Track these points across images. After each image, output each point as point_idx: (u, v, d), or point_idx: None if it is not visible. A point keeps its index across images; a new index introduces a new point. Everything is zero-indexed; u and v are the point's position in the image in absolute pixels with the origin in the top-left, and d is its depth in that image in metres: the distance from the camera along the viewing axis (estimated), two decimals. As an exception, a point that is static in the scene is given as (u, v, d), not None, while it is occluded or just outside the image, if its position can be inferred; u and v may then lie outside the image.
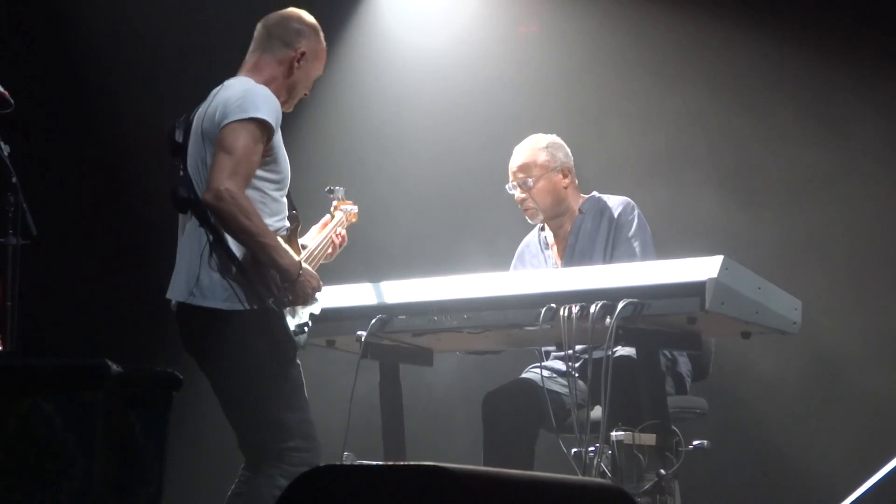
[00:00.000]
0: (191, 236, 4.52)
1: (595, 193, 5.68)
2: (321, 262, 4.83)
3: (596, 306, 4.69)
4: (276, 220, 4.56)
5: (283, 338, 4.49)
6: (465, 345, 5.41)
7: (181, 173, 4.55)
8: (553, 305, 4.77)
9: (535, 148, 5.63)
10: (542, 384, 5.17)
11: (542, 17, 7.35)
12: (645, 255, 5.45)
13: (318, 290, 4.60)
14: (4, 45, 6.94)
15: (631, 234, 5.50)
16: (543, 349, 5.54)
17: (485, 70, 7.35)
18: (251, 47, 4.70)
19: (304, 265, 4.56)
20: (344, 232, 5.01)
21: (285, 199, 4.62)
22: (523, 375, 5.59)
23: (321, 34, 4.75)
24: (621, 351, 4.88)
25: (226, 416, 4.60)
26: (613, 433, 4.74)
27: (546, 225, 5.71)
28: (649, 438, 4.78)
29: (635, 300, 4.67)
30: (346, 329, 5.12)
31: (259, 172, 4.50)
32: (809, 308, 5.04)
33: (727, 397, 6.67)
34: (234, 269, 4.45)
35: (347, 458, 5.06)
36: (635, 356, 4.93)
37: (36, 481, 3.42)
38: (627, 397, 4.83)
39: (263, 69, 4.63)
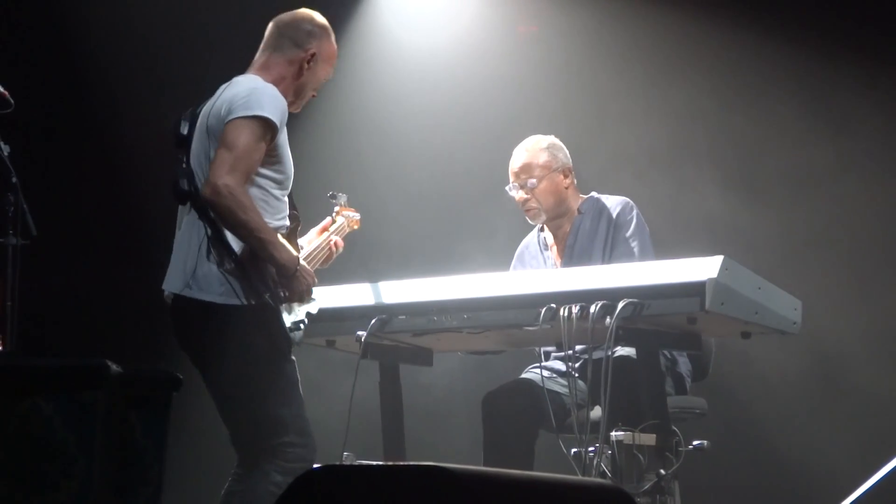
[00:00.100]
0: (189, 229, 4.52)
1: (594, 194, 5.68)
2: (318, 266, 4.83)
3: (596, 306, 4.69)
4: (277, 219, 4.56)
5: (279, 333, 4.48)
6: (465, 345, 5.41)
7: (183, 165, 4.55)
8: (553, 305, 4.77)
9: (535, 148, 5.64)
10: (541, 384, 5.17)
11: (542, 16, 7.35)
12: (643, 255, 5.46)
13: (313, 285, 4.60)
14: (4, 45, 6.94)
15: (629, 233, 5.50)
16: (543, 349, 5.54)
17: (484, 70, 7.35)
18: (261, 46, 4.70)
19: (302, 262, 4.56)
20: (341, 240, 5.02)
21: (287, 199, 4.62)
22: (523, 375, 5.59)
23: (332, 36, 4.74)
24: (621, 351, 4.88)
25: (219, 413, 4.59)
26: (613, 433, 4.74)
27: (545, 226, 5.72)
28: (649, 438, 4.78)
29: (635, 300, 4.67)
30: (346, 329, 5.12)
31: (263, 171, 4.51)
32: (810, 307, 5.04)
33: (727, 397, 6.67)
34: (231, 263, 4.45)
35: (347, 458, 5.06)
36: (635, 356, 4.93)
37: (35, 481, 3.42)
38: (627, 397, 4.83)
39: (272, 68, 4.63)
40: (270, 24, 4.72)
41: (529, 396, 5.37)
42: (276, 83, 4.57)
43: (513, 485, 2.89)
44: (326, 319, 4.90)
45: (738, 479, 6.81)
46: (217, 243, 4.46)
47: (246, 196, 4.42)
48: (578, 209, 5.64)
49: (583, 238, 5.58)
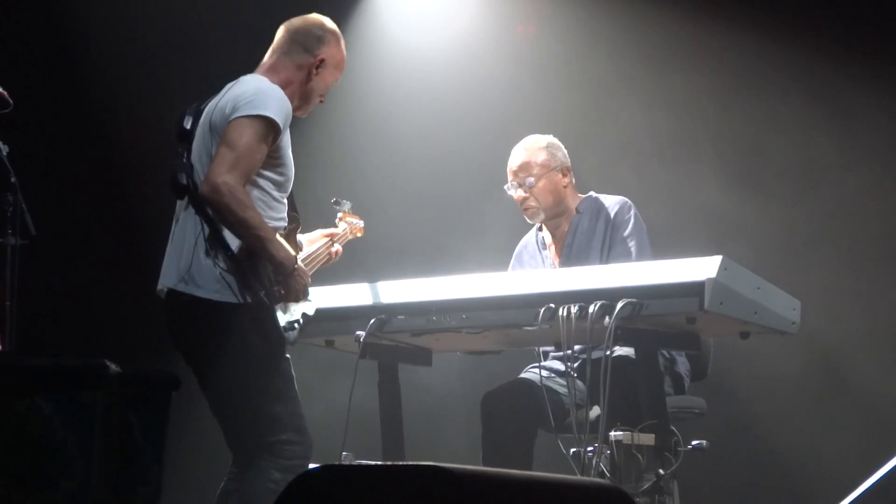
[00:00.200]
0: (186, 224, 4.52)
1: (592, 193, 5.69)
2: (315, 269, 4.82)
3: (595, 306, 4.70)
4: (275, 220, 4.56)
5: (274, 332, 4.48)
6: (463, 345, 5.41)
7: (184, 160, 4.55)
8: (552, 305, 4.77)
9: (534, 148, 5.65)
10: (540, 384, 5.17)
11: (540, 16, 7.36)
12: (641, 255, 5.46)
13: (308, 286, 4.60)
14: (4, 45, 6.95)
15: (627, 233, 5.51)
16: (542, 349, 5.54)
17: (482, 69, 7.35)
18: (271, 49, 4.69)
19: (299, 262, 4.56)
20: (340, 247, 5.02)
21: (285, 201, 4.62)
22: (522, 375, 5.59)
23: (342, 42, 4.75)
24: (620, 351, 4.88)
25: (213, 411, 4.59)
26: (612, 433, 4.74)
27: (543, 225, 5.72)
28: (648, 438, 4.78)
29: (634, 300, 4.67)
30: (345, 329, 5.12)
31: (264, 172, 4.51)
32: (809, 305, 5.04)
33: (726, 397, 6.67)
34: (227, 260, 4.44)
35: (346, 457, 5.06)
36: (634, 356, 4.93)
37: (35, 481, 3.42)
38: (626, 397, 4.83)
39: (280, 71, 4.63)
40: (281, 28, 4.72)
41: (528, 396, 5.37)
42: (283, 86, 4.57)
43: (512, 485, 2.89)
44: (325, 319, 4.90)
45: (737, 479, 6.82)
46: (214, 240, 4.45)
47: (245, 194, 4.41)
48: (577, 209, 5.64)
49: (581, 237, 5.59)
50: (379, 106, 7.46)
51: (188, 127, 4.59)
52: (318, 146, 7.27)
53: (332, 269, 5.02)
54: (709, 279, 4.57)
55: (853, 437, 6.63)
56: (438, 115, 7.34)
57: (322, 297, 4.86)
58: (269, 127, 4.46)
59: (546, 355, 5.55)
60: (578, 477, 4.66)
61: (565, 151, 5.69)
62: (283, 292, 4.50)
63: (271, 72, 4.63)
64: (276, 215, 4.56)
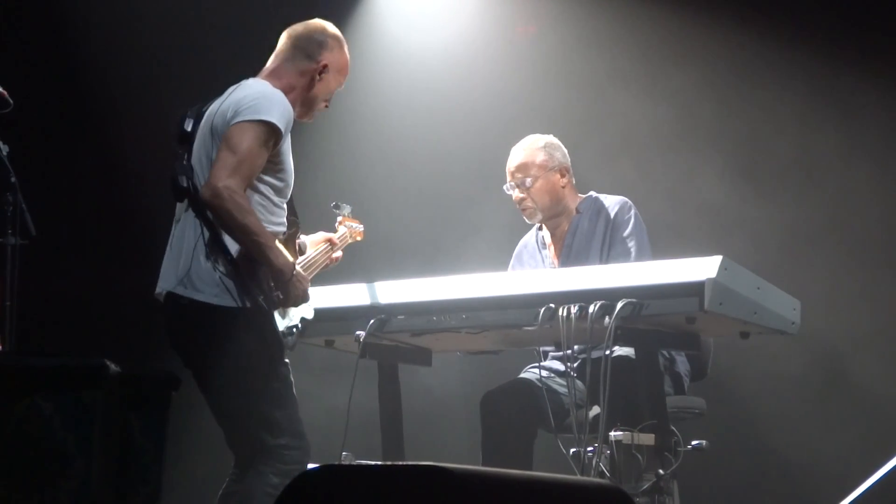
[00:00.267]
0: (185, 227, 4.51)
1: (592, 193, 5.68)
2: (314, 274, 4.82)
3: (595, 306, 4.70)
4: (274, 225, 4.55)
5: (273, 336, 4.47)
6: (463, 345, 5.41)
7: (184, 162, 4.54)
8: (552, 305, 4.77)
9: (532, 148, 5.65)
10: (540, 384, 5.17)
11: (540, 17, 7.35)
12: (640, 255, 5.46)
13: (307, 292, 4.59)
14: (4, 45, 6.95)
15: (627, 233, 5.51)
16: (542, 349, 5.54)
17: (482, 69, 7.35)
18: (273, 54, 4.67)
19: (298, 268, 4.55)
20: (340, 252, 5.02)
21: (285, 206, 4.62)
22: (522, 375, 5.59)
23: (345, 46, 4.73)
24: (620, 351, 4.88)
25: (213, 414, 4.58)
26: (612, 433, 4.74)
27: (543, 225, 5.72)
28: (648, 438, 4.78)
29: (634, 300, 4.67)
30: (345, 329, 5.12)
31: (265, 177, 4.50)
32: (809, 304, 5.04)
33: (726, 397, 6.67)
34: (227, 264, 4.43)
35: (346, 457, 5.06)
36: (634, 356, 4.93)
37: (35, 481, 3.42)
38: (626, 397, 4.83)
39: (283, 76, 4.61)
40: (283, 35, 4.71)
41: (528, 396, 5.37)
42: (285, 91, 4.55)
43: (511, 485, 2.89)
44: (325, 319, 4.90)
45: (737, 479, 6.81)
46: (214, 244, 4.44)
47: (245, 199, 4.40)
48: (577, 208, 5.64)
49: (580, 237, 5.59)
50: (379, 106, 7.46)
51: (189, 129, 4.58)
52: (318, 146, 7.27)
53: (332, 270, 5.02)
54: (709, 279, 4.57)
55: (853, 436, 6.62)
56: (438, 115, 7.34)
57: (322, 298, 4.86)
58: (271, 132, 4.45)
59: (546, 355, 5.55)
60: (578, 477, 4.66)
61: (565, 151, 5.69)
62: (281, 298, 4.50)
63: (274, 77, 4.61)
64: (275, 220, 4.56)
